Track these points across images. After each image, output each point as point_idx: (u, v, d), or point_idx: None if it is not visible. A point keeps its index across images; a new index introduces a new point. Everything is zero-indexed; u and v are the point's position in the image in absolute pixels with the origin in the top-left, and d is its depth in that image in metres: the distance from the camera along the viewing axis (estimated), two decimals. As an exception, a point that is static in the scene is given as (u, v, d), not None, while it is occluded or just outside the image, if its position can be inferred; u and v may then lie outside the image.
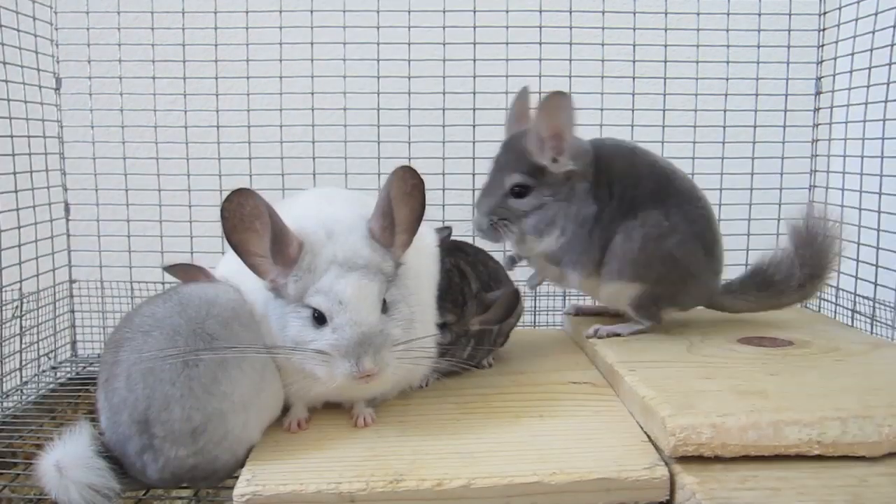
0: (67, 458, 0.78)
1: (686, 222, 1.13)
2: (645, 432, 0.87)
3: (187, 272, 0.97)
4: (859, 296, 1.31)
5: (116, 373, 0.81)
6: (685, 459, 0.78)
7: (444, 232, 1.14)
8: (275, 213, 0.82)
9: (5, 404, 1.21)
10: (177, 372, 0.78)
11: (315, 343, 0.82)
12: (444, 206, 1.44)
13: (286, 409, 0.92)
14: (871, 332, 1.27)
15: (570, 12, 1.43)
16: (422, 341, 0.89)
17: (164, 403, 0.78)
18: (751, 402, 0.84)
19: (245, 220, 0.81)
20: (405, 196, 0.87)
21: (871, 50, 1.26)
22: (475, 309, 1.07)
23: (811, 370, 0.97)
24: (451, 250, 1.13)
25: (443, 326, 1.01)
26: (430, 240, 1.05)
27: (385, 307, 0.85)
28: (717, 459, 0.78)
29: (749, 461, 0.78)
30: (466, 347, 1.06)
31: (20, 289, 1.29)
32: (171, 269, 0.98)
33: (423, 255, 1.00)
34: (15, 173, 1.26)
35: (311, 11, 1.41)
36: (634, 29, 1.44)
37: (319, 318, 0.83)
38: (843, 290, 1.37)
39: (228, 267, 0.97)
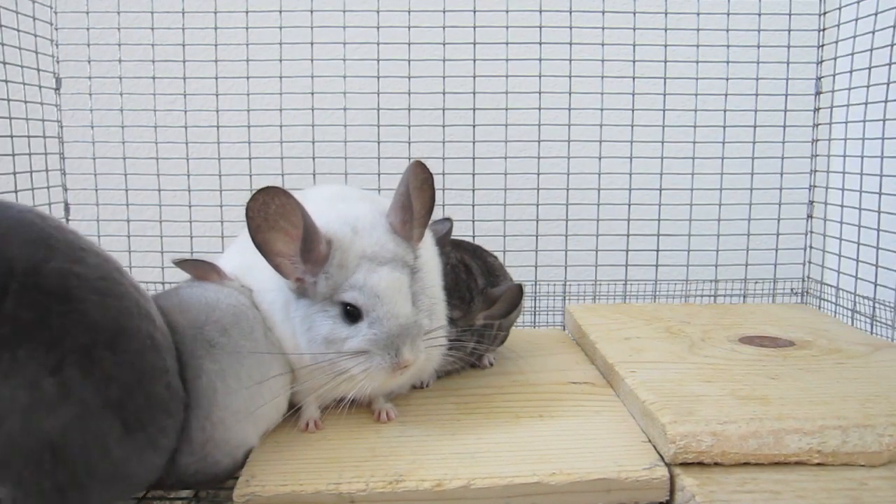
0: None
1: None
2: (644, 433, 0.87)
3: (198, 268, 0.96)
4: (859, 296, 1.31)
5: None
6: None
7: (446, 225, 1.14)
8: (306, 212, 0.81)
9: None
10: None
11: (352, 340, 0.82)
12: (444, 206, 1.43)
13: (288, 410, 0.91)
14: (871, 332, 1.26)
15: (570, 12, 1.43)
16: (440, 331, 0.90)
17: None
18: (751, 408, 0.83)
19: (270, 219, 0.80)
20: (416, 190, 0.88)
21: (871, 50, 1.26)
22: (481, 305, 1.07)
23: (812, 374, 0.97)
24: (455, 245, 1.13)
25: (449, 322, 1.01)
26: (429, 234, 1.05)
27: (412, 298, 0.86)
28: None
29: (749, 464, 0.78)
30: (470, 343, 1.06)
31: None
32: (182, 264, 0.96)
33: (430, 249, 1.01)
34: (15, 173, 1.26)
35: (311, 11, 1.41)
36: (634, 29, 1.44)
37: (352, 315, 0.83)
38: (843, 290, 1.37)
39: (235, 264, 0.96)
